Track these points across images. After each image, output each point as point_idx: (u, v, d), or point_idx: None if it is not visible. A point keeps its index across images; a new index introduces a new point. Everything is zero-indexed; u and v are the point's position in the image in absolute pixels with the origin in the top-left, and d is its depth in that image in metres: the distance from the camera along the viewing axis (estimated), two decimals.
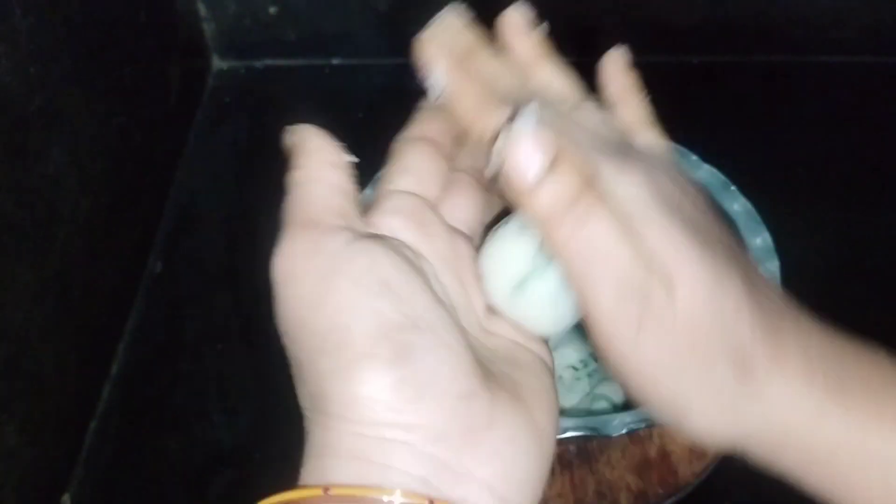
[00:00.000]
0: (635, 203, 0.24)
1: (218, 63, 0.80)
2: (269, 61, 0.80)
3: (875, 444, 0.25)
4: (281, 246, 0.25)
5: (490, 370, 0.25)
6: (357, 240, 0.25)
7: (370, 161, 0.77)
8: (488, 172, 0.26)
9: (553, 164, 0.24)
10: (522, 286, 0.28)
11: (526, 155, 0.24)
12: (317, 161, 0.27)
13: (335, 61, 0.80)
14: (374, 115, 0.74)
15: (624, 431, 0.37)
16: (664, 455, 0.45)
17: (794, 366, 0.25)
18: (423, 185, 0.28)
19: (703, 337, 0.24)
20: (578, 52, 0.81)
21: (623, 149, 0.27)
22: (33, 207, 0.46)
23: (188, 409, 0.53)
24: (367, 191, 0.31)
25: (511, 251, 0.28)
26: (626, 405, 0.46)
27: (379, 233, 0.26)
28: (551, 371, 0.28)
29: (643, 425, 0.38)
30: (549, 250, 0.26)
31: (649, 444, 0.45)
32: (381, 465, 0.23)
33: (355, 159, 0.29)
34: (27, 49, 0.46)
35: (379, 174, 0.32)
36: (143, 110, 0.63)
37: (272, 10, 0.76)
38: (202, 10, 0.76)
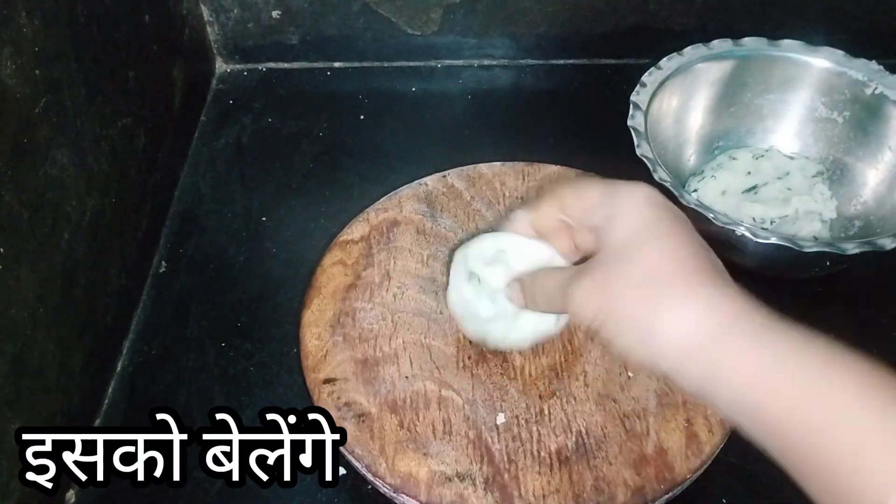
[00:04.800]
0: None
1: (221, 66, 0.81)
2: (271, 64, 0.81)
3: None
4: None
5: None
6: None
7: (372, 162, 0.78)
8: None
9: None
10: (485, 324, 0.47)
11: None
12: None
13: (337, 64, 0.81)
14: (376, 118, 0.75)
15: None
16: (661, 451, 0.45)
17: (712, 301, 0.34)
18: None
19: (625, 272, 0.36)
20: (581, 55, 0.80)
21: None
22: (39, 207, 0.47)
23: (192, 406, 0.54)
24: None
25: (472, 302, 0.47)
26: None
27: None
28: None
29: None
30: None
31: (646, 441, 0.46)
32: None
33: None
34: (32, 51, 0.46)
35: None
36: (148, 112, 0.63)
37: (275, 13, 0.77)
38: (206, 13, 0.77)
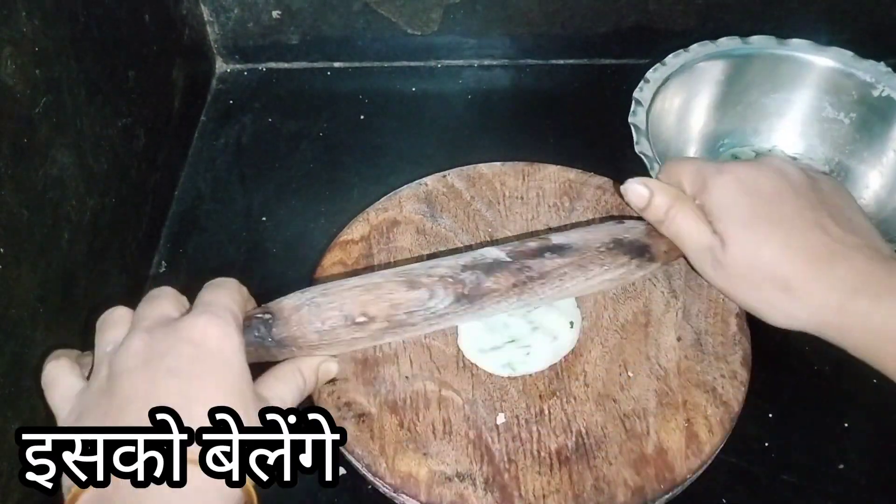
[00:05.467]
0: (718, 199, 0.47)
1: (221, 65, 0.81)
2: (271, 64, 0.81)
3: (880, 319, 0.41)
4: None
5: None
6: None
7: (372, 162, 0.78)
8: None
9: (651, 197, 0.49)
10: (485, 353, 0.50)
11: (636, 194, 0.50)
12: None
13: (337, 64, 0.81)
14: (376, 118, 0.75)
15: None
16: (661, 451, 0.45)
17: (830, 284, 0.42)
18: None
19: (748, 273, 0.45)
20: (583, 55, 0.80)
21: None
22: (38, 208, 0.47)
23: None
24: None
25: (486, 336, 0.51)
26: None
27: None
28: None
29: None
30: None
31: (646, 441, 0.46)
32: None
33: None
34: (32, 51, 0.46)
35: None
36: (148, 112, 0.63)
37: (275, 13, 0.77)
38: (206, 13, 0.77)
